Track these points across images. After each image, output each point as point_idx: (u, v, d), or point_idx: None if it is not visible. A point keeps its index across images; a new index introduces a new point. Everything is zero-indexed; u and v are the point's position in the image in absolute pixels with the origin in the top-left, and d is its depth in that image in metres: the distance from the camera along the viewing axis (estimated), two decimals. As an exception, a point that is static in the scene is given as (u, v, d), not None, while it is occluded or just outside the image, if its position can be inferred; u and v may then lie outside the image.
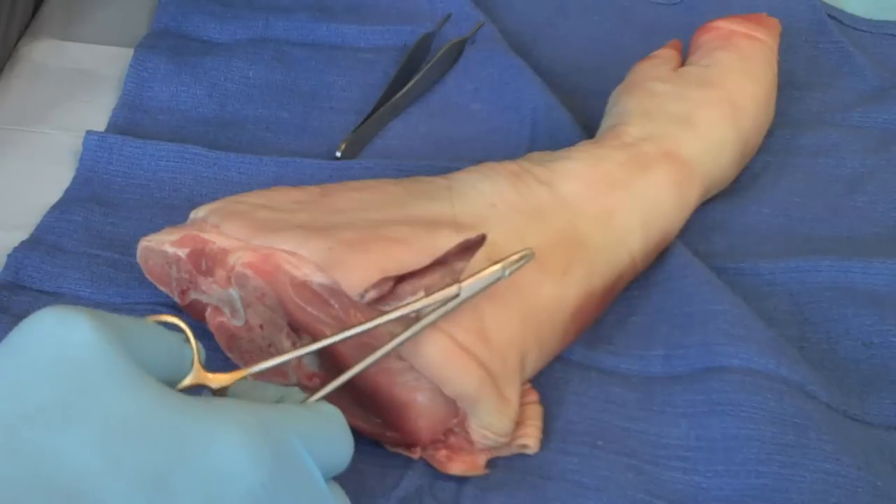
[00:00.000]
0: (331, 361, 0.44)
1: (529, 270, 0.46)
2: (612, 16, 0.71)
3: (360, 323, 0.40)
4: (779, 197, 0.58)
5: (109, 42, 0.66)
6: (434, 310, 0.41)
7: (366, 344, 0.43)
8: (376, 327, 0.40)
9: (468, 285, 0.42)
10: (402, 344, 0.41)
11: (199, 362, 0.37)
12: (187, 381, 0.36)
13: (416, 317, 0.43)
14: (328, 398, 0.39)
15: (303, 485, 0.34)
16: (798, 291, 0.53)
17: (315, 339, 0.44)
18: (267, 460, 0.32)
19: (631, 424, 0.47)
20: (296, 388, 0.39)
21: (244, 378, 0.38)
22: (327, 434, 0.36)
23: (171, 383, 0.36)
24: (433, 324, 0.42)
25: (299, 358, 0.46)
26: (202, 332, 0.48)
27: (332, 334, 0.43)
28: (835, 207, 0.58)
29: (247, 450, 0.32)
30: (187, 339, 0.37)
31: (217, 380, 0.37)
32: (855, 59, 0.67)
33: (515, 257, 0.43)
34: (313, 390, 0.45)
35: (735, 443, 0.45)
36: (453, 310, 0.42)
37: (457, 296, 0.42)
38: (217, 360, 0.48)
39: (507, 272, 0.43)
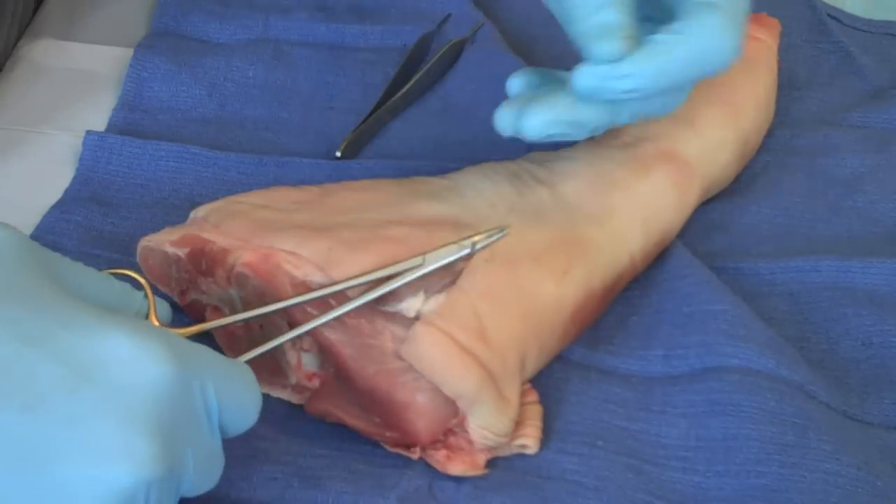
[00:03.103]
0: (331, 361, 0.44)
1: (529, 270, 0.46)
2: (612, 16, 0.71)
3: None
4: (779, 197, 0.58)
5: (109, 42, 0.66)
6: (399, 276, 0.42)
7: (367, 345, 0.43)
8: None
9: (433, 256, 0.42)
10: (357, 308, 0.42)
11: (155, 314, 0.37)
12: None
13: (416, 316, 0.43)
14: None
15: (196, 417, 0.34)
16: (798, 291, 0.53)
17: (314, 339, 0.44)
18: (166, 362, 0.32)
19: (631, 424, 0.47)
20: None
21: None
22: (237, 385, 0.36)
23: None
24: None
25: (299, 359, 0.46)
26: (203, 333, 0.48)
27: (332, 335, 0.43)
28: (835, 207, 0.58)
29: (142, 348, 0.32)
30: (146, 294, 0.37)
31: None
32: (855, 59, 0.67)
33: (484, 234, 0.43)
34: (312, 390, 0.45)
35: (735, 443, 0.45)
36: (416, 280, 0.42)
37: (421, 265, 0.42)
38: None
39: (476, 247, 0.43)
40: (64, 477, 0.30)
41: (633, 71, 0.41)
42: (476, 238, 0.44)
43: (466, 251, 0.43)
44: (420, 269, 0.42)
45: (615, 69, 0.41)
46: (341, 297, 0.43)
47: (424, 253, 0.42)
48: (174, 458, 0.32)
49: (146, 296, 0.38)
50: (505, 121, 0.45)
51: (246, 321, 0.43)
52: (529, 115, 0.44)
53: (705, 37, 0.41)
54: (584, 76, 0.42)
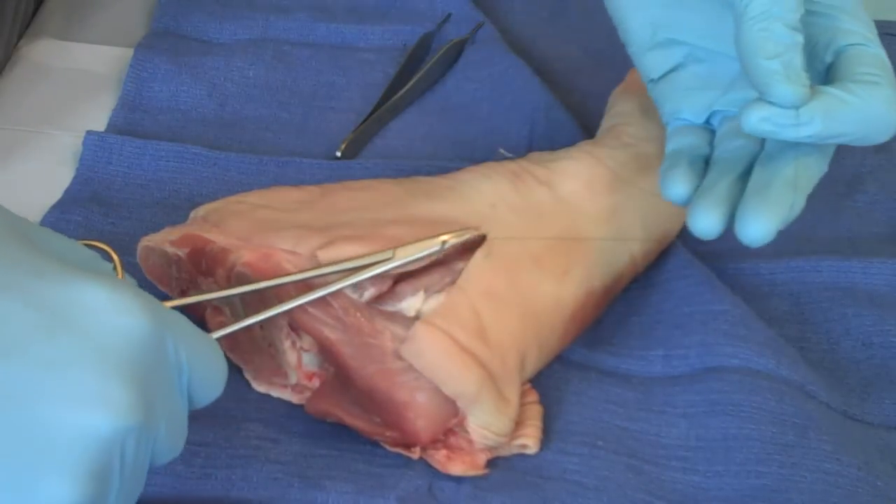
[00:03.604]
0: (331, 360, 0.44)
1: (529, 270, 0.46)
2: (612, 16, 0.71)
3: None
4: (779, 197, 0.58)
5: (109, 42, 0.66)
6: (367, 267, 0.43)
7: (367, 344, 0.43)
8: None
9: (402, 251, 0.43)
10: (327, 294, 0.42)
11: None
12: None
13: (416, 315, 0.43)
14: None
15: (169, 373, 0.33)
16: (798, 291, 0.53)
17: (315, 340, 0.44)
18: (141, 314, 0.32)
19: (631, 424, 0.47)
20: None
21: None
22: (206, 353, 0.36)
23: None
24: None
25: (299, 359, 0.46)
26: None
27: (332, 335, 0.43)
28: (835, 207, 0.58)
29: (118, 298, 0.32)
30: (115, 267, 0.38)
31: None
32: (855, 60, 0.66)
33: (455, 234, 0.44)
34: (312, 390, 0.45)
35: (735, 443, 0.45)
36: (386, 273, 0.43)
37: (391, 259, 0.43)
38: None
39: (445, 245, 0.44)
40: (41, 422, 0.30)
41: (811, 119, 0.39)
42: (446, 237, 0.44)
43: (436, 248, 0.44)
44: (389, 262, 0.43)
45: (796, 116, 0.39)
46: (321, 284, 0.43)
47: (395, 247, 0.43)
48: (149, 409, 0.32)
49: (115, 268, 0.38)
50: (711, 227, 0.42)
51: (216, 300, 0.42)
52: (754, 222, 0.40)
53: (875, 103, 0.40)
54: (761, 121, 0.39)
